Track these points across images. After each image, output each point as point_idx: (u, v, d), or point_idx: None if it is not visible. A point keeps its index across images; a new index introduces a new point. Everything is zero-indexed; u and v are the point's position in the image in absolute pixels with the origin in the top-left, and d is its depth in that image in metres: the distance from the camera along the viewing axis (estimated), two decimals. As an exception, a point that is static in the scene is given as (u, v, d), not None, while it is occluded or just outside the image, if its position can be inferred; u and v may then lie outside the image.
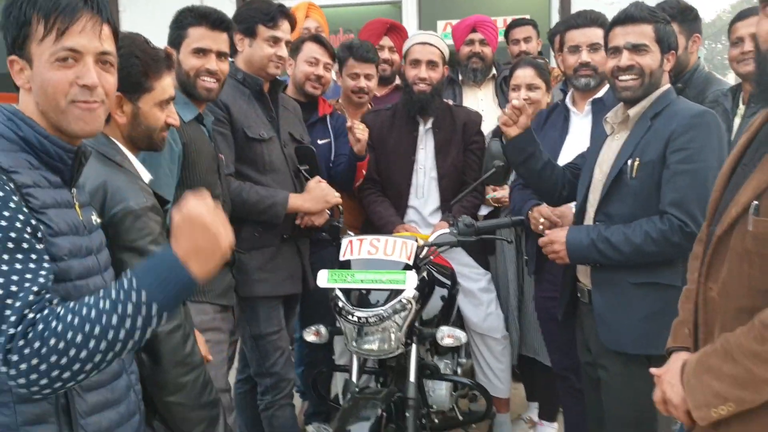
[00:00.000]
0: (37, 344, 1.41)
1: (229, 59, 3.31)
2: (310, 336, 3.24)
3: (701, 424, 1.74)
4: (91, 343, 1.44)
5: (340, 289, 2.96)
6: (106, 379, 1.73)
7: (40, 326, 1.42)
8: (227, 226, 1.59)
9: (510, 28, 5.06)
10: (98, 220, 1.84)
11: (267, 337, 3.28)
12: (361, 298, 2.94)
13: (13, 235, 1.45)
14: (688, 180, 2.45)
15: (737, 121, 3.37)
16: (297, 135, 3.49)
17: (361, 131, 3.60)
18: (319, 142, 3.78)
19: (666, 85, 2.66)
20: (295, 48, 3.63)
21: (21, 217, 1.47)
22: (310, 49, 3.76)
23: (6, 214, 1.45)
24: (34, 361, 1.41)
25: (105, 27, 1.66)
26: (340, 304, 2.93)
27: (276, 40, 3.27)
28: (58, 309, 1.46)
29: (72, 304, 1.48)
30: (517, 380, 4.52)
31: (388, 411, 2.83)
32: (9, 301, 1.42)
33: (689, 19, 3.61)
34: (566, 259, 2.76)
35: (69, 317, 1.44)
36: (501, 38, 5.11)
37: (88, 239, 1.71)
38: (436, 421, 3.48)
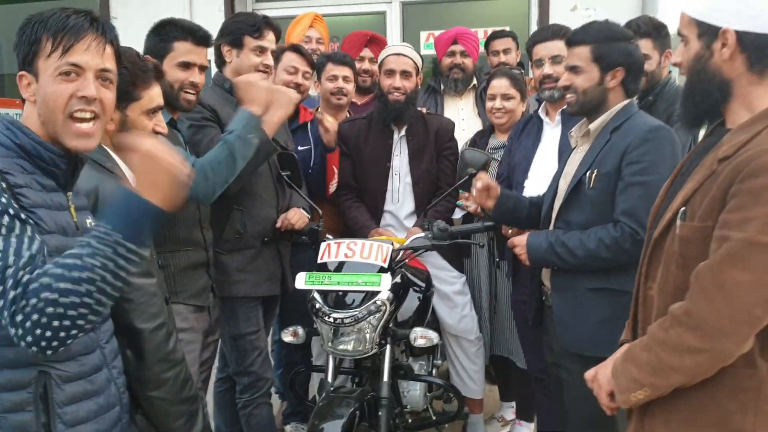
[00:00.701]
0: (33, 300, 1.53)
1: (217, 70, 3.45)
2: (287, 336, 3.33)
3: (624, 407, 1.90)
4: (81, 287, 1.55)
5: (318, 291, 3.05)
6: (86, 371, 1.83)
7: (34, 284, 1.54)
8: (175, 154, 1.70)
9: (490, 39, 5.15)
10: (93, 223, 1.94)
11: (246, 336, 3.36)
12: (337, 299, 3.04)
13: (6, 220, 1.58)
14: (640, 191, 2.57)
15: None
16: (281, 142, 3.58)
17: (330, 123, 3.74)
18: (300, 148, 3.89)
19: (626, 100, 2.78)
20: (275, 57, 3.72)
21: (11, 211, 1.60)
22: (290, 59, 3.88)
23: None
24: (35, 317, 1.53)
25: (108, 47, 1.81)
26: (317, 305, 3.03)
27: (262, 50, 3.38)
28: (46, 266, 1.57)
29: (57, 258, 1.59)
30: (492, 382, 4.65)
31: (362, 410, 2.92)
32: (8, 271, 1.55)
33: (662, 35, 3.74)
34: (527, 262, 2.90)
35: (54, 269, 1.55)
36: (482, 49, 5.24)
37: (78, 240, 1.82)
38: (410, 420, 3.58)
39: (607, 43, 2.72)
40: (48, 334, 1.55)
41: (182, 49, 2.95)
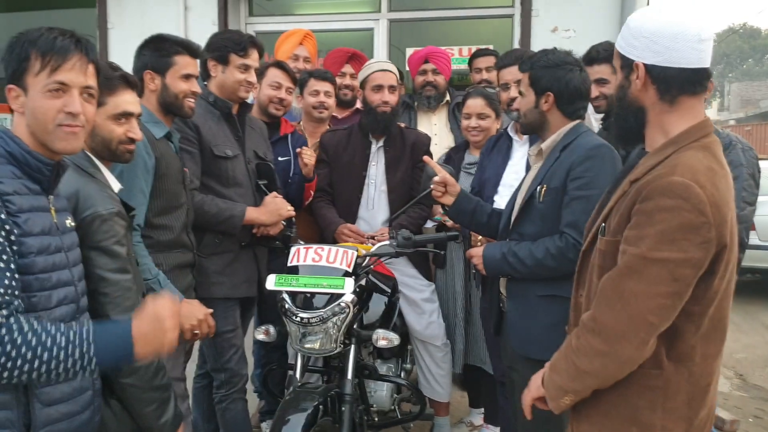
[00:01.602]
0: None
1: (203, 83, 3.64)
2: (260, 335, 3.51)
3: (556, 413, 2.10)
4: (36, 363, 1.76)
5: (287, 292, 3.23)
6: None
7: (3, 330, 1.73)
8: (176, 329, 1.95)
9: (473, 57, 5.34)
10: (72, 224, 2.14)
11: (223, 335, 3.51)
12: (305, 300, 3.21)
13: None
14: (582, 204, 2.75)
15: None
16: (261, 153, 3.79)
17: (308, 156, 3.98)
18: (280, 159, 4.09)
19: (574, 122, 2.97)
20: (259, 73, 3.93)
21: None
22: (274, 75, 4.10)
23: None
24: None
25: (90, 66, 2.03)
26: (286, 305, 3.20)
27: (246, 68, 3.59)
28: (25, 325, 1.77)
29: (37, 324, 1.79)
30: (464, 388, 4.83)
31: (326, 405, 3.10)
32: None
33: None
34: (484, 271, 3.09)
35: (29, 335, 1.76)
36: (465, 66, 5.43)
37: (59, 239, 2.01)
38: (377, 419, 3.76)
39: (540, 69, 2.93)
40: None
41: (182, 63, 3.15)
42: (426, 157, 3.49)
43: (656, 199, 1.78)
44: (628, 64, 1.97)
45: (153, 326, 1.88)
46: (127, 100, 2.61)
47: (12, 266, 1.80)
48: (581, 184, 2.79)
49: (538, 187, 2.90)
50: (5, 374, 1.74)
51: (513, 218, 3.06)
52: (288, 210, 3.61)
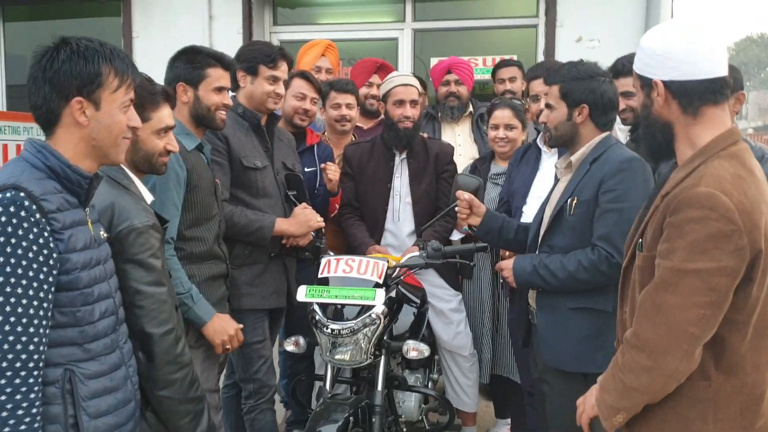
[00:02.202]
0: None
1: (231, 93, 3.67)
2: (290, 346, 3.52)
3: None
4: None
5: (317, 304, 3.24)
6: (106, 370, 2.04)
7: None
8: None
9: (497, 68, 5.35)
10: (105, 235, 2.16)
11: (252, 345, 3.53)
12: (335, 312, 3.22)
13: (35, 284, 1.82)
14: (615, 217, 2.76)
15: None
16: (289, 164, 3.81)
17: (333, 172, 4.01)
18: (306, 170, 4.10)
19: (604, 134, 2.96)
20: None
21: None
22: (298, 85, 4.12)
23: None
24: None
25: None
26: (317, 317, 3.21)
27: (275, 79, 3.61)
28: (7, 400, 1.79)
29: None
30: (490, 399, 4.82)
31: (356, 415, 3.10)
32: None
33: None
34: (514, 284, 3.08)
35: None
36: (489, 76, 5.43)
37: (97, 251, 2.04)
38: (404, 429, 3.75)
39: (572, 81, 2.91)
40: None
41: (215, 75, 3.16)
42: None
43: (684, 211, 1.80)
44: (647, 84, 2.01)
45: None
46: (167, 114, 2.66)
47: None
48: (614, 197, 2.78)
49: (569, 200, 2.90)
50: None
51: (542, 231, 3.06)
52: (317, 221, 3.62)
